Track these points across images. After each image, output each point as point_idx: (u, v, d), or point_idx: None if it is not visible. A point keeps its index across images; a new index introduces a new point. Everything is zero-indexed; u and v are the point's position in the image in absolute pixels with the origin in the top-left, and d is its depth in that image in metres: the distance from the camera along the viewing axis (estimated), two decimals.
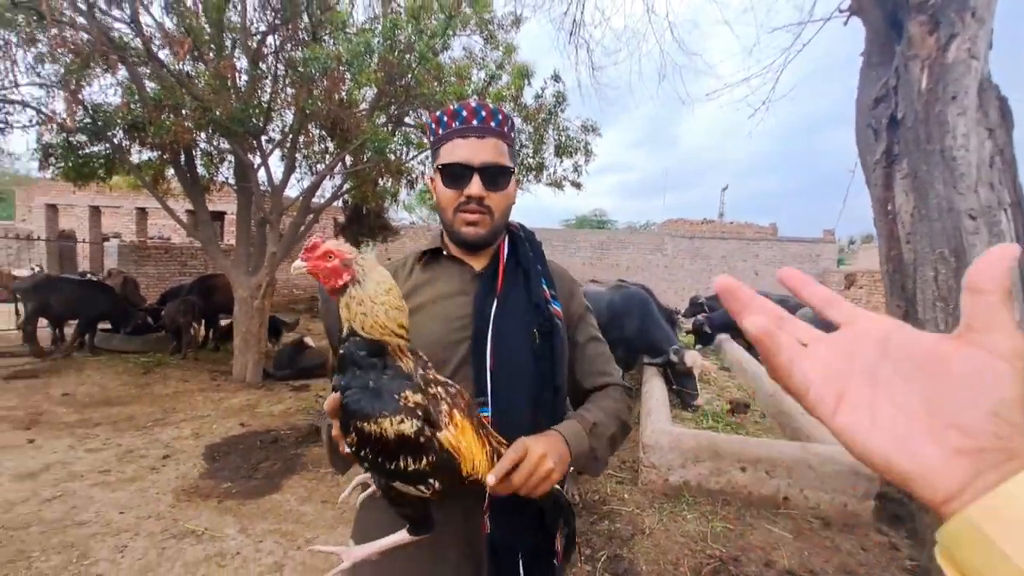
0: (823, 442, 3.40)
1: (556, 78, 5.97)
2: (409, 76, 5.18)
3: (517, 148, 5.38)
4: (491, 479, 0.75)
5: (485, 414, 0.92)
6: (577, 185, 6.82)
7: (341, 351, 0.72)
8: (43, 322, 6.65)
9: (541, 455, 0.80)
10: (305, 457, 3.82)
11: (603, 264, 15.17)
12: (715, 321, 7.79)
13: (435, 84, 5.44)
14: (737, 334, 8.04)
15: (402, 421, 0.67)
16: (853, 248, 27.55)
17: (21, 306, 6.36)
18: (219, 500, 3.13)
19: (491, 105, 0.98)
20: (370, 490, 0.88)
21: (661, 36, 5.89)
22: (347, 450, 0.73)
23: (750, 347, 7.52)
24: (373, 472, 0.74)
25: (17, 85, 4.88)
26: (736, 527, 3.05)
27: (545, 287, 1.05)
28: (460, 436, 0.73)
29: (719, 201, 32.46)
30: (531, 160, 6.51)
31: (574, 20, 4.75)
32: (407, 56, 5.03)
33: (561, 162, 6.56)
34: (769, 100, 2.76)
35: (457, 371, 0.96)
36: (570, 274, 1.20)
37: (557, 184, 6.76)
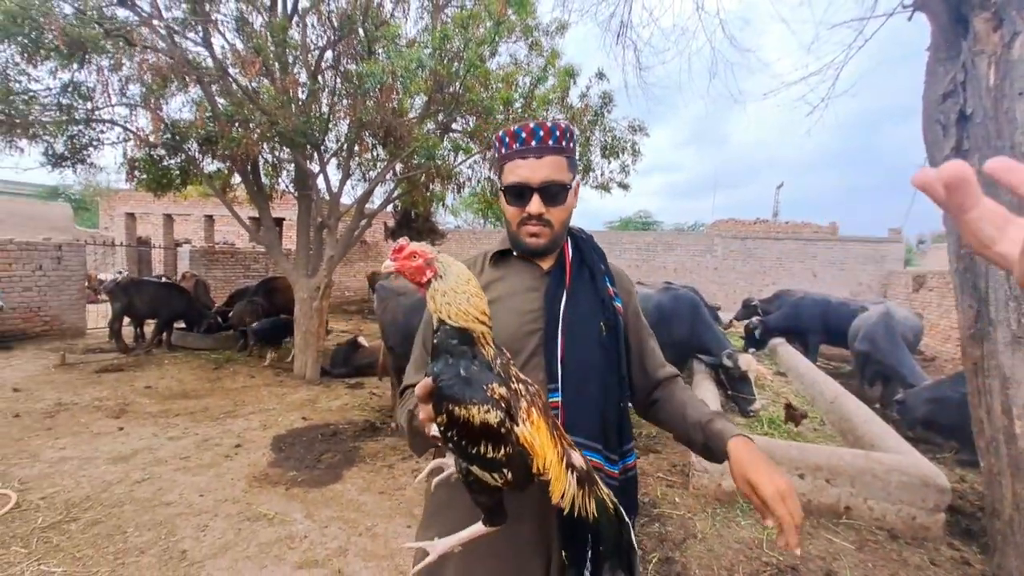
0: (889, 451, 3.26)
1: (600, 75, 5.96)
2: (458, 84, 5.33)
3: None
4: (798, 551, 0.83)
5: (555, 399, 0.99)
6: (625, 186, 6.77)
7: (435, 340, 0.80)
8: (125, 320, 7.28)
9: (789, 486, 0.86)
10: (362, 450, 4.01)
11: (649, 266, 14.90)
12: (770, 324, 7.53)
13: (482, 90, 5.56)
14: (794, 338, 7.75)
15: (488, 411, 0.73)
16: (923, 248, 25.63)
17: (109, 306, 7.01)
18: (286, 487, 3.35)
19: (549, 123, 1.05)
20: (444, 474, 0.94)
21: (712, 34, 5.75)
22: (434, 432, 0.80)
23: (807, 351, 7.22)
24: (456, 454, 0.80)
25: (111, 105, 5.39)
26: None
27: (608, 284, 1.13)
28: (535, 433, 0.77)
29: (773, 200, 31.13)
30: (578, 162, 6.52)
31: (621, 22, 4.74)
32: (456, 64, 5.19)
33: (609, 163, 6.54)
34: (829, 97, 2.68)
35: (528, 361, 1.05)
36: (626, 274, 1.27)
37: (604, 187, 6.74)
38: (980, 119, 1.35)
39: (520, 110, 5.66)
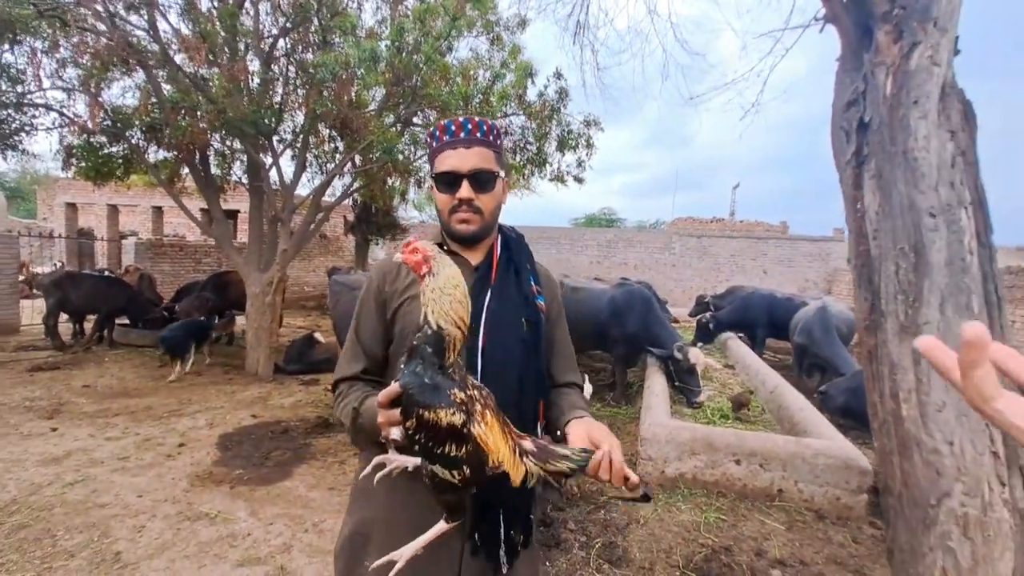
0: (820, 437, 3.47)
1: (558, 75, 6.04)
2: (416, 78, 5.29)
3: (522, 145, 5.35)
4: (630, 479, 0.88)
5: None
6: (579, 180, 6.89)
7: (414, 342, 0.85)
8: (63, 316, 6.89)
9: (617, 443, 0.92)
10: (313, 447, 3.96)
11: (610, 263, 15.20)
12: (722, 319, 7.83)
13: (442, 84, 5.54)
14: (743, 332, 8.10)
15: (454, 414, 0.79)
16: None
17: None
18: (231, 486, 3.27)
19: (477, 119, 1.11)
20: (387, 470, 0.96)
21: (664, 37, 5.91)
22: (395, 435, 0.86)
23: (755, 344, 7.55)
24: (421, 455, 0.85)
25: (43, 89, 5.08)
26: (729, 518, 3.12)
27: (533, 283, 1.18)
28: (488, 432, 0.83)
29: (730, 200, 32.25)
30: (535, 156, 6.59)
31: (578, 22, 4.81)
32: (414, 57, 5.15)
33: (563, 156, 6.65)
34: (758, 103, 2.82)
35: None
36: (552, 276, 1.32)
37: (560, 179, 6.83)
38: (877, 126, 1.46)
39: (478, 106, 5.67)
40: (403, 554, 0.90)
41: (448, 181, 1.10)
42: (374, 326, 1.17)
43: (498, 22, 6.38)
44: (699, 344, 7.30)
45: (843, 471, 3.14)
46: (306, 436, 4.19)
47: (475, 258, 1.19)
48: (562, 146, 6.50)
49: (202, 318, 6.59)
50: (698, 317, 8.27)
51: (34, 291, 6.67)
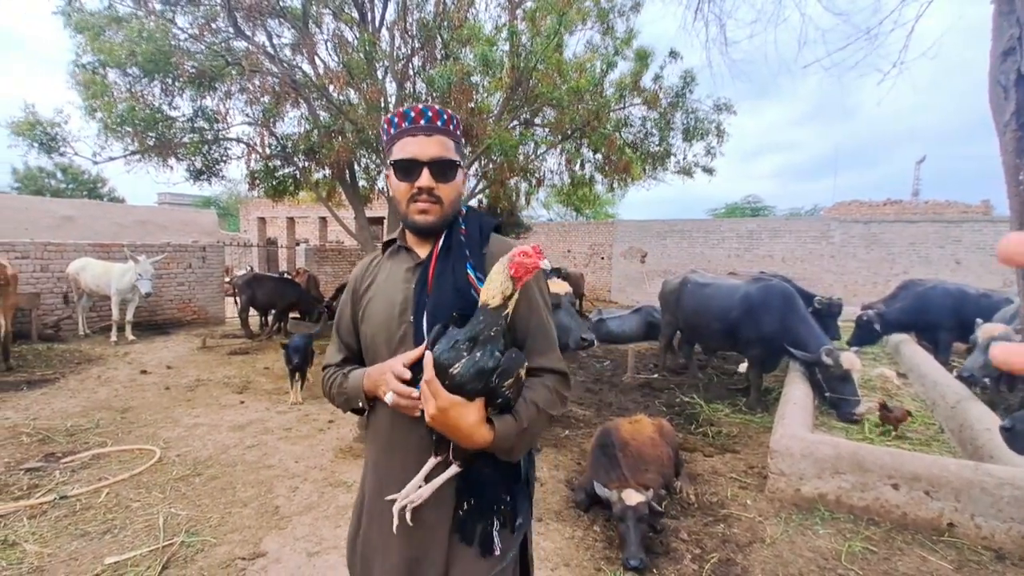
0: (1008, 464, 2.79)
1: (673, 54, 5.64)
2: (531, 79, 5.40)
3: (643, 137, 5.13)
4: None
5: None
6: (709, 171, 6.37)
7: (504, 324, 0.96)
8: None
9: (449, 405, 0.91)
10: None
11: (752, 255, 13.79)
12: (890, 318, 6.60)
13: (557, 78, 5.55)
14: (921, 335, 6.75)
15: None
16: None
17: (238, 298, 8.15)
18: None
19: (437, 107, 1.10)
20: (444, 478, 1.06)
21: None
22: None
23: (937, 350, 6.25)
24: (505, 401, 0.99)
25: (231, 125, 6.25)
26: (881, 550, 2.68)
27: (470, 271, 1.09)
28: None
29: (913, 177, 27.14)
30: (656, 148, 6.26)
31: None
32: (529, 58, 5.26)
33: (691, 146, 6.20)
34: (900, 61, 2.34)
35: (398, 348, 1.10)
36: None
37: (686, 171, 6.40)
38: None
39: (590, 100, 5.58)
40: (422, 494, 1.01)
41: (407, 168, 1.08)
42: (348, 323, 1.23)
43: (612, 9, 6.18)
44: (855, 348, 6.28)
45: None
46: None
47: (425, 251, 1.15)
48: (688, 136, 6.08)
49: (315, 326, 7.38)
50: (859, 315, 7.00)
51: (235, 290, 8.25)
